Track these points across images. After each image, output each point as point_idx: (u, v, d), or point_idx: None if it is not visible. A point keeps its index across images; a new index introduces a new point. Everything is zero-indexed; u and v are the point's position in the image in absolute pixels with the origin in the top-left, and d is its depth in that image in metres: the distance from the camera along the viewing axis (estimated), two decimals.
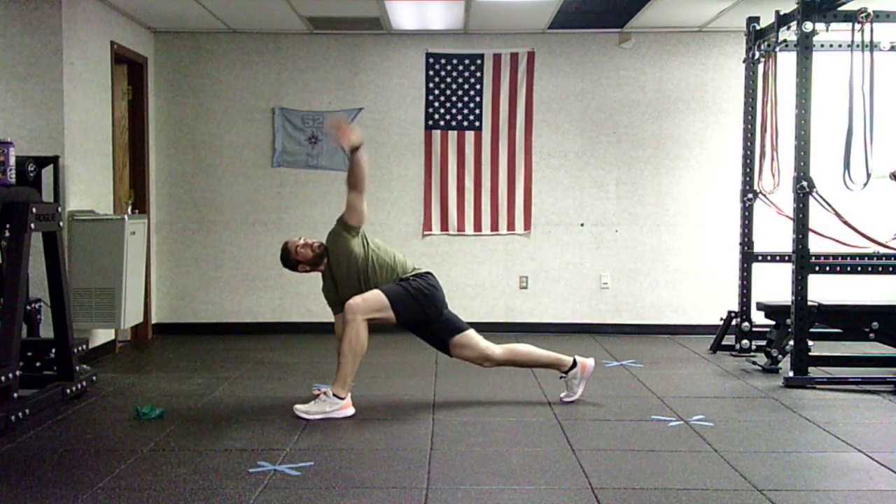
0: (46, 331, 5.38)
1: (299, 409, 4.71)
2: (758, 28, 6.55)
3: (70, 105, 5.98)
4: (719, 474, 3.77)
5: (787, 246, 5.84)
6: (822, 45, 6.08)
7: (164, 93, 7.56)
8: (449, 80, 7.58)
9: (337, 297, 4.94)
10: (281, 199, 7.65)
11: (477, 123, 7.60)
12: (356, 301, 4.73)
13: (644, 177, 7.64)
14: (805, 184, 5.57)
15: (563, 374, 5.05)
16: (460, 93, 7.59)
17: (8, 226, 4.67)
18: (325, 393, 4.76)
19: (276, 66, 7.60)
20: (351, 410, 4.74)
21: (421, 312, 4.88)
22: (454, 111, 7.60)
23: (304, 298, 7.50)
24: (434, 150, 7.62)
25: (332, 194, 7.63)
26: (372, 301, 4.75)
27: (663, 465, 3.88)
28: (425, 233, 7.66)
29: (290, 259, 4.97)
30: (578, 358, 5.07)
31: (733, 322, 6.70)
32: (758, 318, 6.48)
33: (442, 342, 4.99)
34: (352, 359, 4.72)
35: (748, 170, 6.73)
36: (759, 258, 6.69)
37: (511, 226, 7.65)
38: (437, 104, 7.60)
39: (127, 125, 7.15)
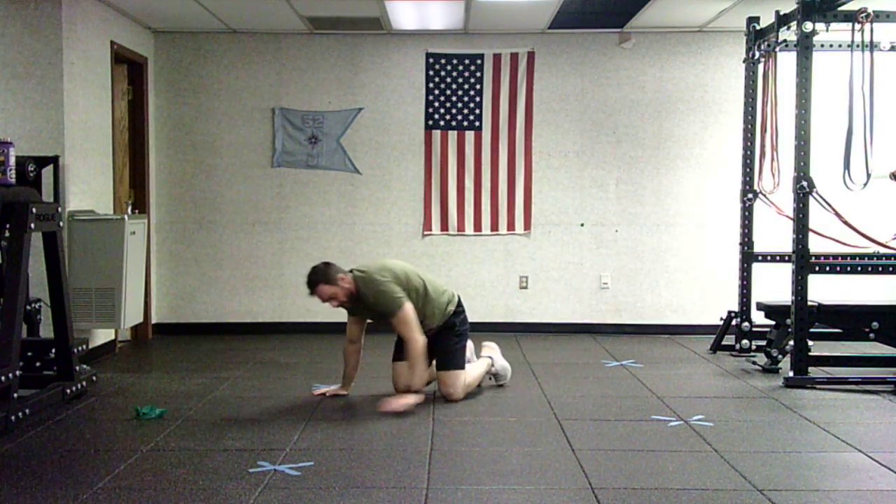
0: (46, 331, 5.38)
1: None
2: (758, 28, 6.55)
3: (70, 105, 5.98)
4: (719, 474, 3.77)
5: (787, 246, 5.84)
6: (822, 45, 6.08)
7: (164, 93, 7.56)
8: (449, 80, 7.58)
9: (367, 315, 5.15)
10: (281, 199, 7.64)
11: (477, 123, 7.59)
12: (459, 391, 5.09)
13: (644, 177, 7.64)
14: (805, 184, 5.57)
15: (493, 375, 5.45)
16: (460, 93, 7.58)
17: (8, 226, 4.67)
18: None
19: (276, 66, 7.60)
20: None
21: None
22: (454, 111, 7.59)
23: (304, 298, 7.44)
24: (434, 150, 7.62)
25: (332, 194, 7.64)
26: (461, 378, 5.10)
27: (663, 465, 3.88)
28: (425, 233, 7.66)
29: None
30: (484, 352, 5.55)
31: (733, 322, 6.69)
32: (758, 318, 6.48)
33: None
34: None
35: (748, 170, 6.73)
36: (759, 258, 6.69)
37: (511, 226, 7.65)
38: (437, 104, 7.59)
39: (127, 125, 7.15)
